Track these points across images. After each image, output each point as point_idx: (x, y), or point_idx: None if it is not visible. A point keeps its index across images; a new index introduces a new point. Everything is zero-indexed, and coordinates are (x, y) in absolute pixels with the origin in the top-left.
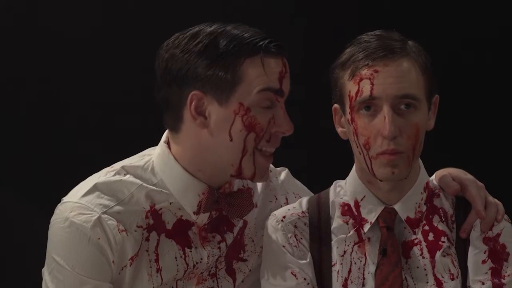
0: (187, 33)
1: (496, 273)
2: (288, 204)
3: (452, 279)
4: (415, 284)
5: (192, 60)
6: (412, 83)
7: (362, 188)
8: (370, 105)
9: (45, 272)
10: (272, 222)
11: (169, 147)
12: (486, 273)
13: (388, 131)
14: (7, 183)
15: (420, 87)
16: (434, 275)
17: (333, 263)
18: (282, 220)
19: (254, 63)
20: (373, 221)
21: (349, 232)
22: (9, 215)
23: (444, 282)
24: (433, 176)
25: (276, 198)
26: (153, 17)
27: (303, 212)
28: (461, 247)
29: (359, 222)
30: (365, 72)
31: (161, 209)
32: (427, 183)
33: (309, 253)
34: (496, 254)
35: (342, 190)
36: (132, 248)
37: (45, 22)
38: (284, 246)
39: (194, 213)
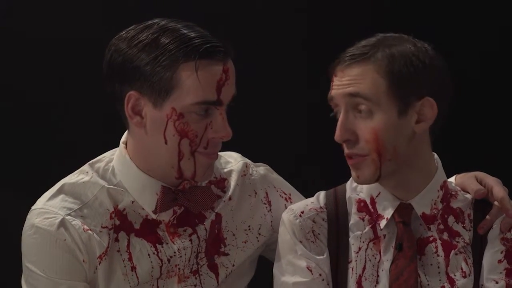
0: (137, 27)
1: (510, 273)
2: (268, 198)
3: (464, 277)
4: (428, 281)
5: (134, 56)
6: (365, 84)
7: (376, 184)
8: (334, 107)
9: (22, 281)
10: (290, 217)
11: (127, 147)
12: (501, 272)
13: (336, 135)
14: (6, 183)
15: (378, 90)
16: (447, 273)
17: (349, 259)
18: (300, 215)
19: (189, 69)
20: (389, 217)
21: (365, 229)
22: (8, 215)
23: (456, 280)
24: (452, 179)
25: (256, 193)
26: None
27: (321, 207)
28: (477, 246)
29: (375, 219)
30: (332, 76)
31: (124, 209)
32: (444, 182)
33: (327, 249)
34: None
35: (359, 186)
36: (99, 247)
37: (37, 22)
38: (301, 242)
39: (153, 211)
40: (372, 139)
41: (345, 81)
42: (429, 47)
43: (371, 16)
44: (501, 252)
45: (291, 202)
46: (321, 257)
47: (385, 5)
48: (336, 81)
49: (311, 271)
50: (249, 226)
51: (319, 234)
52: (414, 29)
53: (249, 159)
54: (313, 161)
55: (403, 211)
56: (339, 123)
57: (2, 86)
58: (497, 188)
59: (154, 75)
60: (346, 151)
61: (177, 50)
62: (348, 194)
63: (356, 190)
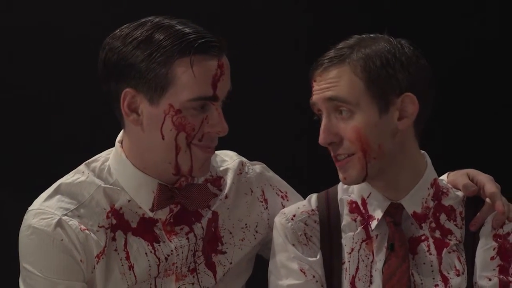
0: (131, 25)
1: (503, 270)
2: (264, 196)
3: (458, 275)
4: (421, 280)
5: (129, 53)
6: (342, 87)
7: (367, 185)
8: (317, 111)
9: (20, 282)
10: (282, 220)
11: (122, 146)
12: (494, 269)
13: (320, 139)
14: (6, 183)
15: (356, 91)
16: (440, 271)
17: (343, 260)
18: (292, 219)
19: (184, 65)
20: (379, 217)
21: (357, 230)
22: (6, 215)
23: (450, 278)
24: (444, 176)
25: (252, 191)
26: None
27: (312, 210)
28: (470, 244)
29: (366, 220)
30: (311, 81)
31: (121, 208)
32: (435, 180)
33: (320, 250)
34: (505, 252)
35: (350, 187)
36: (96, 247)
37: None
38: (293, 245)
39: (150, 210)
40: (355, 138)
41: (323, 85)
42: (406, 43)
43: (371, 16)
44: (494, 249)
45: (287, 200)
46: (314, 259)
47: (385, 7)
48: (316, 86)
49: (304, 273)
50: (246, 224)
51: (311, 236)
52: (413, 29)
53: (245, 157)
54: (310, 159)
55: (394, 211)
56: (322, 126)
57: (2, 86)
58: (489, 185)
59: (150, 72)
60: (332, 153)
61: (171, 46)
62: (339, 195)
63: (347, 191)
